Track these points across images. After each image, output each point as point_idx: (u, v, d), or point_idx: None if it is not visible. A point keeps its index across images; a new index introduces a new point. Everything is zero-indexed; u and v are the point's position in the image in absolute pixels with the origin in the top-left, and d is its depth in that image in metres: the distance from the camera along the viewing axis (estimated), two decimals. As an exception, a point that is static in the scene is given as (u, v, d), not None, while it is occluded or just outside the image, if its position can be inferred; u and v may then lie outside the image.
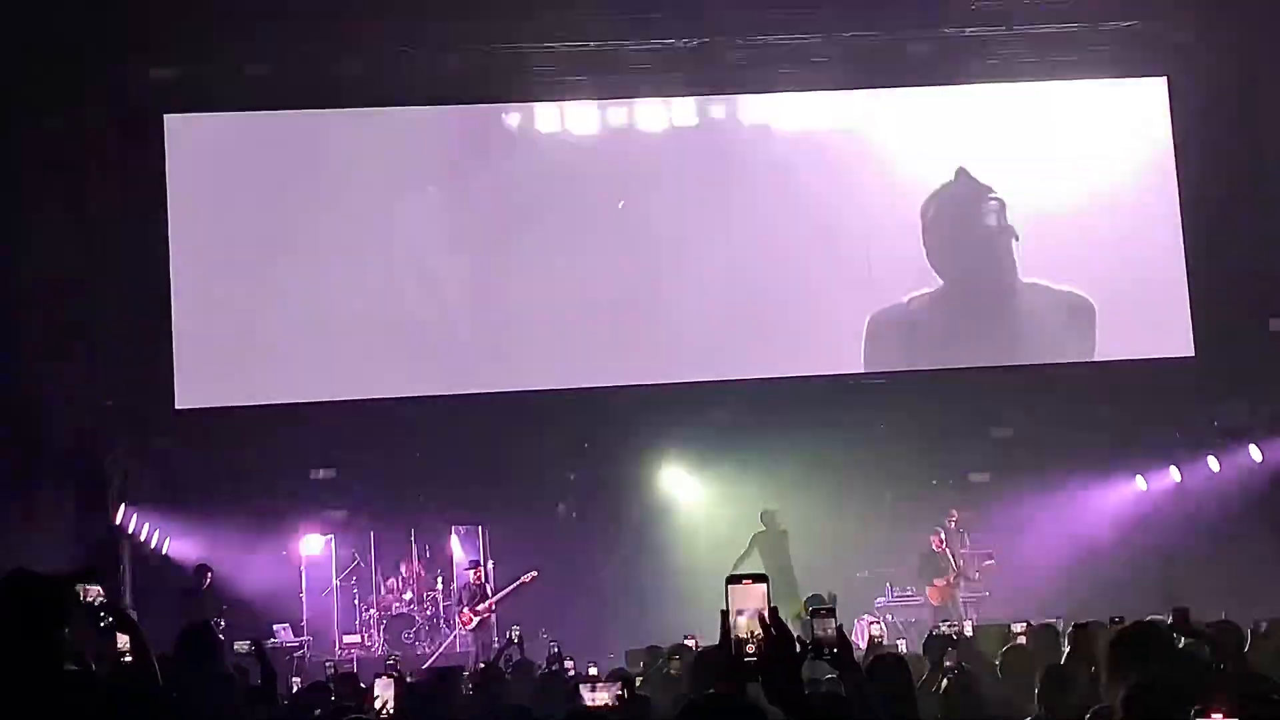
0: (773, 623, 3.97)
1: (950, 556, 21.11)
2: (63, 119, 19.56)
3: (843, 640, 5.02)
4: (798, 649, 4.04)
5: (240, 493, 21.80)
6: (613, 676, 8.88)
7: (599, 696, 5.43)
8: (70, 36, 19.34)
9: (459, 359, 21.46)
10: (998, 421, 22.54)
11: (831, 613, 5.00)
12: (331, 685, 12.77)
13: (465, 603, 21.48)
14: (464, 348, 21.48)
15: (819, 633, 5.03)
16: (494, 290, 21.52)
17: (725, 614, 4.02)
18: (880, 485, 22.96)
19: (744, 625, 4.01)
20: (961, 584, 21.05)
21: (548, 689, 10.00)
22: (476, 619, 21.14)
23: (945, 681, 9.65)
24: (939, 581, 20.91)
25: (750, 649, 3.97)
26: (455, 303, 21.52)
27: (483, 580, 21.79)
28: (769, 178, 21.96)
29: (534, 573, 21.90)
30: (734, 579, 4.08)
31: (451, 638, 21.71)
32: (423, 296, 21.40)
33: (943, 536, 21.33)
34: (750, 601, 4.02)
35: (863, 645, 15.27)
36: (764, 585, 4.07)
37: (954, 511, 22.27)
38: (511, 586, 21.85)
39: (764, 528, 20.03)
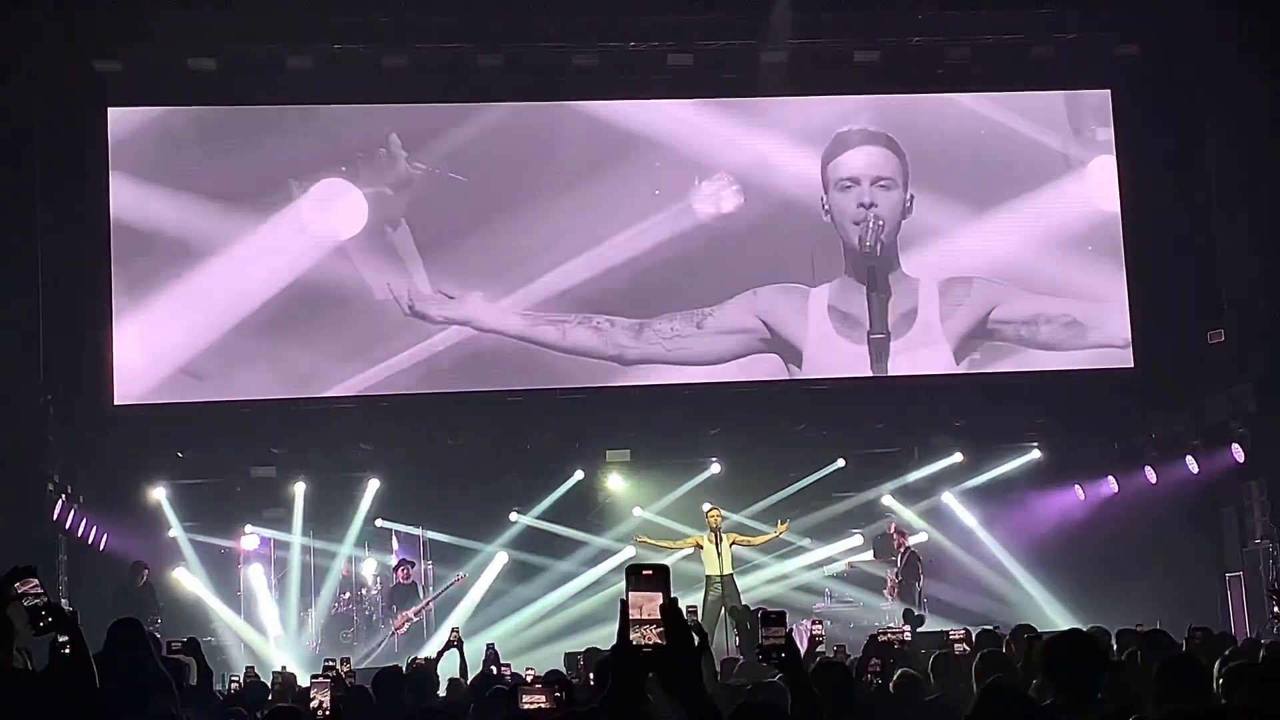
0: (671, 614, 3.87)
1: (910, 555, 21.44)
2: (4, 110, 19.40)
3: (791, 646, 5.07)
4: (696, 642, 3.95)
5: (178, 490, 21.69)
6: (549, 679, 8.88)
7: (536, 699, 5.42)
8: (12, 26, 19.19)
9: (402, 358, 21.38)
10: (941, 430, 22.65)
11: (781, 619, 5.03)
12: (270, 684, 12.75)
13: (394, 605, 21.39)
14: (406, 348, 21.38)
15: (767, 640, 5.05)
16: (438, 290, 21.44)
17: (624, 604, 3.90)
18: (823, 489, 23.09)
19: (643, 616, 3.89)
20: (897, 591, 21.22)
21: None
22: (407, 624, 21.08)
23: (874, 685, 9.75)
24: (891, 574, 21.38)
25: (647, 641, 3.87)
26: (399, 302, 21.42)
27: (411, 580, 21.71)
28: (716, 182, 22.01)
29: (462, 576, 21.90)
30: (634, 569, 3.94)
31: (386, 639, 21.59)
32: (364, 295, 21.30)
33: (905, 534, 21.70)
34: (651, 591, 3.90)
35: (801, 647, 15.29)
36: (665, 574, 3.94)
37: (891, 523, 22.47)
38: (441, 590, 21.86)
39: (709, 527, 19.99)
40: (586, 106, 22.08)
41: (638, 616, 3.88)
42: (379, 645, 21.29)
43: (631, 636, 3.87)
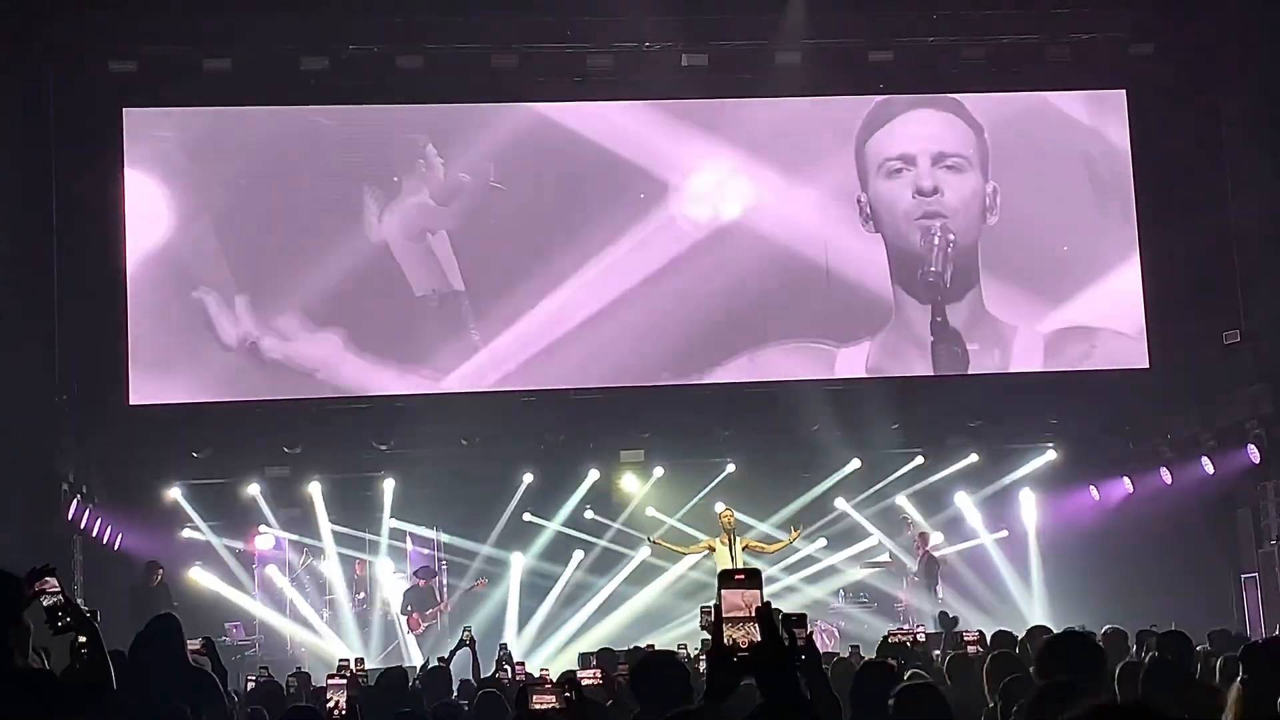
0: (765, 616, 3.98)
1: (931, 561, 21.40)
2: (21, 110, 19.45)
3: (811, 648, 5.12)
4: (787, 643, 4.03)
5: (193, 490, 21.72)
6: (561, 679, 8.91)
7: (546, 700, 5.43)
8: (29, 28, 19.24)
9: (416, 358, 21.39)
10: (956, 430, 22.60)
11: (802, 621, 5.10)
12: (285, 685, 12.77)
13: (413, 607, 21.43)
14: (420, 347, 21.39)
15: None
16: (454, 291, 21.44)
17: (718, 610, 4.02)
18: (837, 492, 23.06)
19: (737, 624, 4.00)
20: (919, 591, 21.20)
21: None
22: (424, 624, 21.11)
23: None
24: (908, 576, 21.31)
25: (744, 643, 3.96)
26: (413, 303, 21.42)
27: (431, 586, 21.75)
28: (734, 183, 21.87)
29: (483, 580, 21.93)
30: (726, 573, 4.07)
31: (400, 640, 21.67)
32: (379, 296, 21.31)
33: (927, 537, 21.62)
34: (744, 592, 4.02)
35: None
36: (758, 577, 4.07)
37: (908, 521, 22.42)
38: (459, 593, 21.89)
39: (722, 528, 19.96)
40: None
41: (733, 617, 3.99)
42: (391, 645, 21.38)
43: (725, 637, 3.98)
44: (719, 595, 4.02)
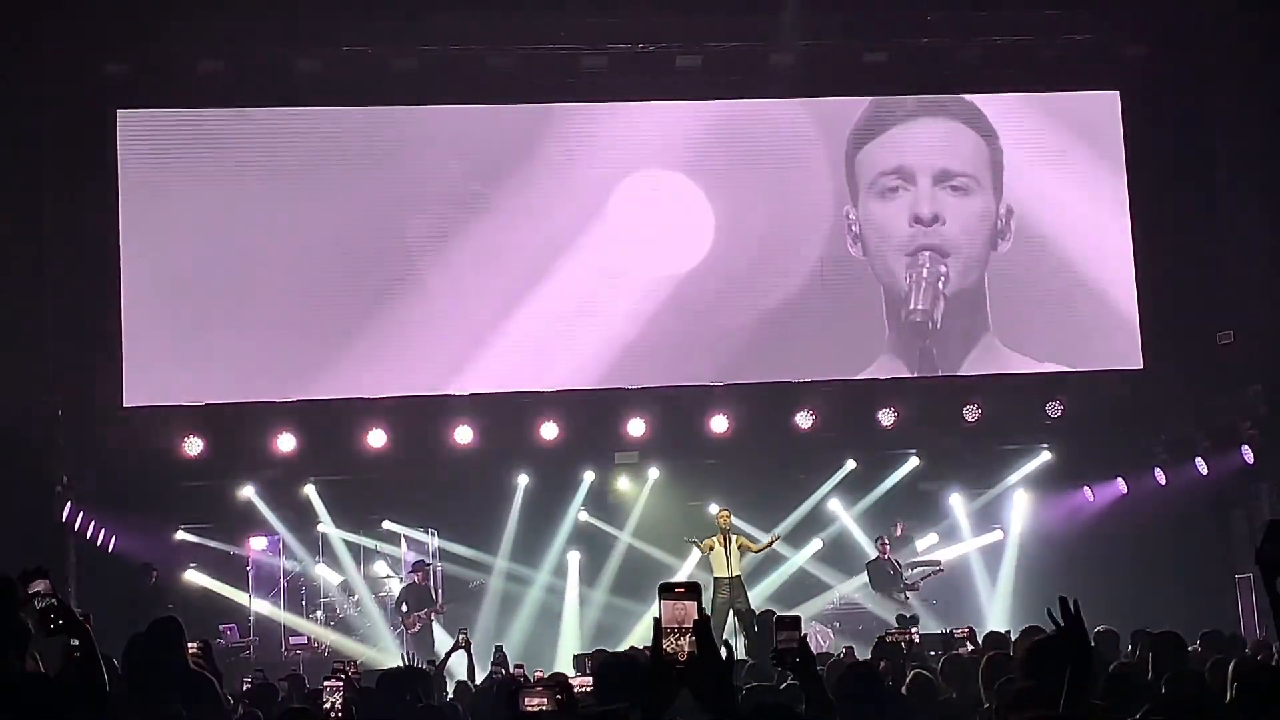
0: (701, 632, 4.03)
1: (894, 563, 21.21)
2: (13, 113, 19.44)
3: (805, 651, 5.11)
4: (724, 655, 4.07)
5: (187, 491, 21.69)
6: (551, 680, 8.91)
7: (537, 701, 5.44)
8: (22, 30, 19.23)
9: (410, 360, 21.38)
10: (948, 431, 22.59)
11: (796, 624, 5.10)
12: (279, 686, 12.75)
13: (409, 606, 21.40)
14: (415, 348, 21.38)
15: (783, 644, 5.11)
16: (447, 292, 21.45)
17: (658, 622, 4.07)
18: (832, 493, 23.03)
19: (674, 635, 4.05)
20: (907, 592, 21.08)
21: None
22: (419, 624, 21.07)
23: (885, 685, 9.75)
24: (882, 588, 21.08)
25: (680, 657, 4.01)
26: (407, 304, 21.42)
27: (427, 583, 21.73)
28: (728, 183, 21.90)
29: (479, 580, 21.93)
30: (666, 585, 4.12)
31: (395, 638, 21.67)
32: (374, 298, 21.30)
33: (887, 543, 21.43)
34: (682, 605, 4.07)
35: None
36: (697, 590, 4.11)
37: (899, 522, 22.37)
38: (454, 594, 21.90)
39: (719, 528, 19.94)
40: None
41: (670, 628, 4.05)
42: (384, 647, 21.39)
43: (664, 648, 4.04)
44: (658, 607, 4.07)
